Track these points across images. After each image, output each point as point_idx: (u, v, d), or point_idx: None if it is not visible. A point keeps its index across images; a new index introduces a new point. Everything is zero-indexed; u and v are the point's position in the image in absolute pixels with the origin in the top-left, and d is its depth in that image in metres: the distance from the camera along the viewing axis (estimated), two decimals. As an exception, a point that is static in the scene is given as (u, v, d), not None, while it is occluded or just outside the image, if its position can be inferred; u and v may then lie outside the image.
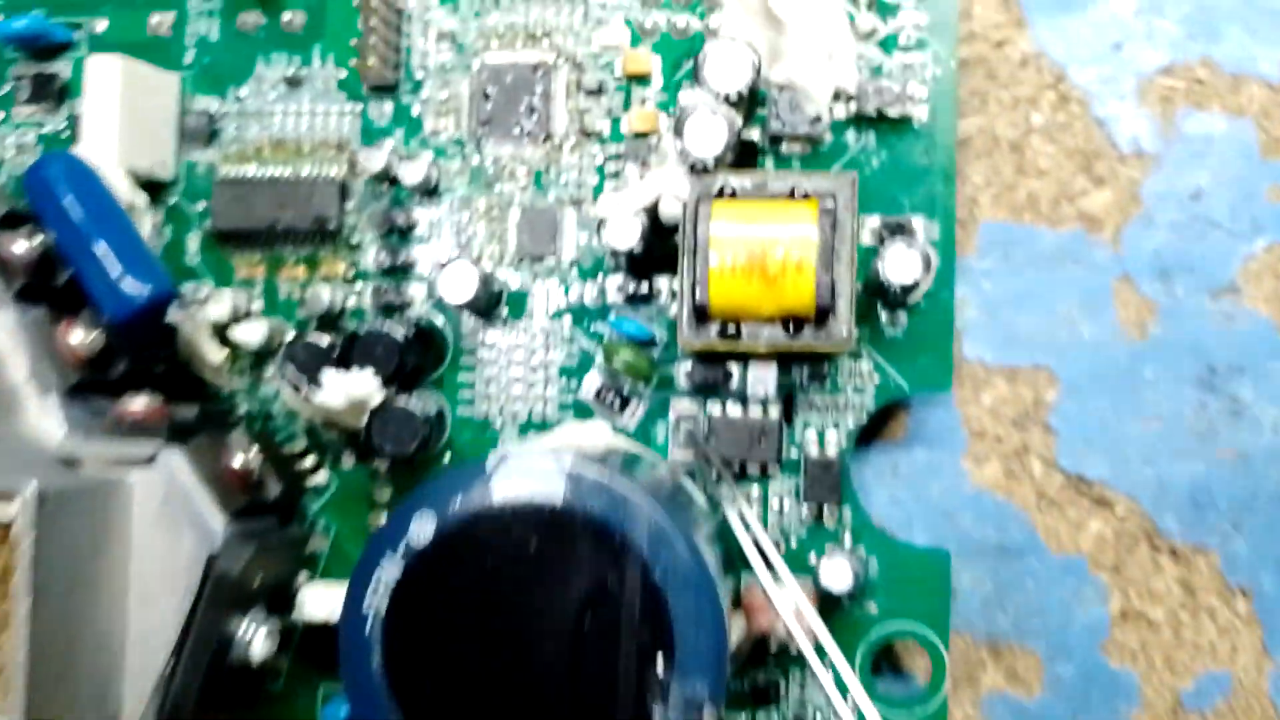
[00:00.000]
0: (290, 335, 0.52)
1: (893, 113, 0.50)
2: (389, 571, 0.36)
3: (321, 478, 0.52)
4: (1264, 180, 0.53)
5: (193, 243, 0.54)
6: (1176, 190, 0.54)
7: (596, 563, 0.35)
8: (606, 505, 0.35)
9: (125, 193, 0.49)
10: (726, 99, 0.47)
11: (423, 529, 0.36)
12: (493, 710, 0.35)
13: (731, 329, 0.46)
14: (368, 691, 0.36)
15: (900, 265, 0.46)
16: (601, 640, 0.35)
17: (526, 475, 0.36)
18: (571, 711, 0.35)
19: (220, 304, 0.51)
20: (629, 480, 0.36)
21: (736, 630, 0.47)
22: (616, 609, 0.35)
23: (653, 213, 0.48)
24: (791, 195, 0.46)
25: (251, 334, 0.51)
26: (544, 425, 0.51)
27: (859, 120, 0.51)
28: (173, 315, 0.47)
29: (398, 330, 0.48)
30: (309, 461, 0.52)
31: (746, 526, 0.46)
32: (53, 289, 0.47)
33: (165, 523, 0.44)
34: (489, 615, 0.35)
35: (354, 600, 0.36)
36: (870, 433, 0.55)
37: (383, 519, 0.52)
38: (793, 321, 0.46)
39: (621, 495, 0.35)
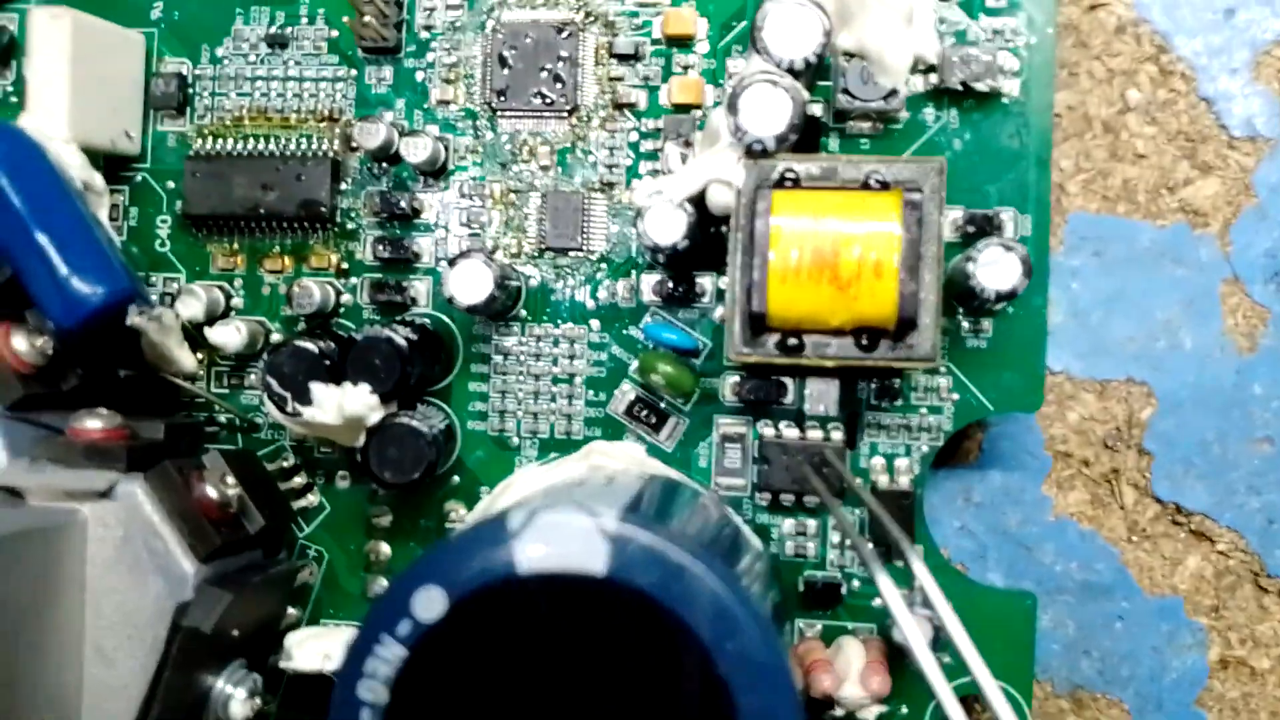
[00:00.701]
0: (275, 337, 0.46)
1: (980, 87, 0.43)
2: (389, 657, 0.29)
3: (313, 499, 0.46)
4: (1396, 168, 0.46)
5: (163, 228, 0.46)
6: (1295, 179, 0.47)
7: (647, 649, 0.28)
8: (659, 577, 0.28)
9: (78, 172, 0.42)
10: (790, 68, 0.39)
11: (430, 605, 0.29)
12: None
13: (793, 341, 0.39)
14: (365, 801, 0.29)
15: (997, 271, 0.39)
16: (653, 745, 0.28)
17: (560, 537, 0.29)
18: (616, 832, 0.28)
19: (193, 302, 0.44)
20: (686, 540, 0.29)
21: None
22: (671, 707, 0.28)
23: (698, 201, 0.41)
24: (867, 184, 0.39)
25: (229, 336, 0.44)
26: (568, 444, 0.45)
27: (940, 95, 0.43)
28: (133, 318, 0.40)
29: (400, 336, 0.41)
30: (298, 481, 0.45)
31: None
32: (-8, 287, 0.40)
33: (125, 566, 0.38)
34: (514, 712, 0.29)
35: (345, 692, 0.29)
36: (942, 454, 0.48)
37: (383, 549, 0.46)
38: (867, 334, 0.39)
39: (678, 564, 0.29)
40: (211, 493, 0.39)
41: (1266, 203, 0.47)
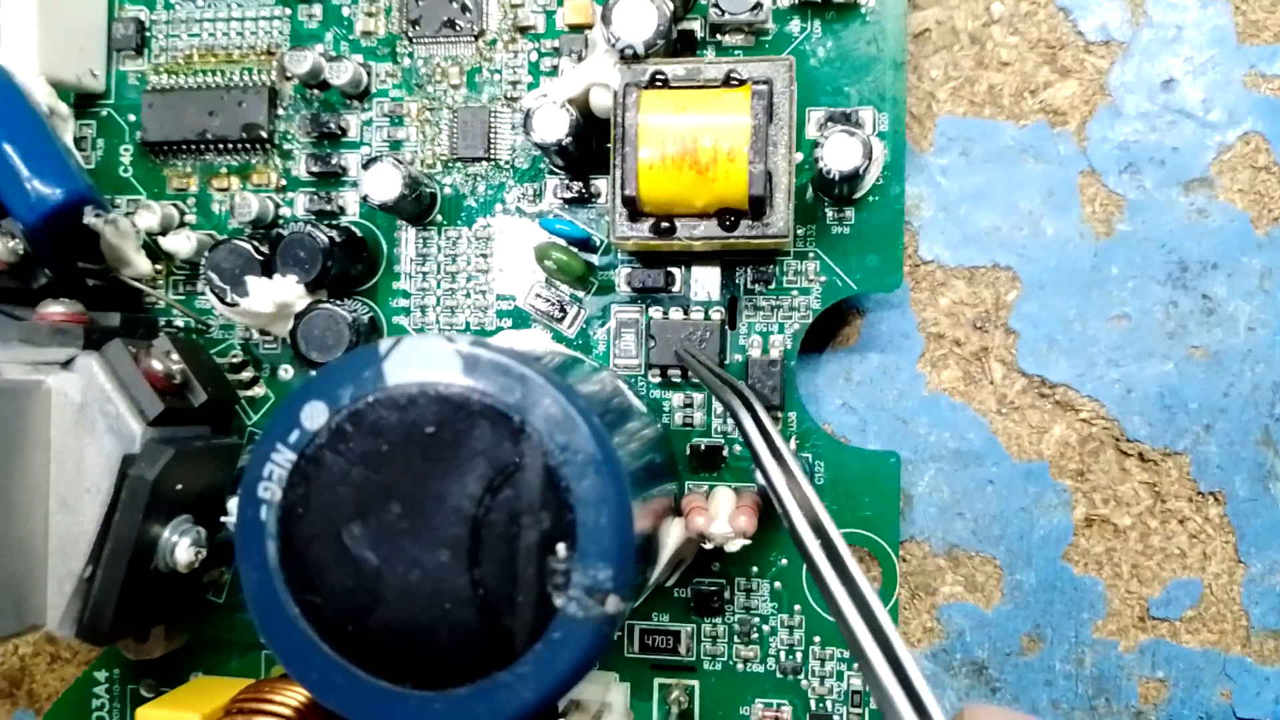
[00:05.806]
0: (224, 246, 0.51)
1: (837, -2, 0.48)
2: (281, 462, 0.34)
3: (259, 391, 0.51)
4: (1240, 67, 0.50)
5: (125, 155, 0.52)
6: (1146, 79, 0.51)
7: (494, 446, 0.34)
8: (503, 386, 0.34)
9: (44, 98, 0.48)
10: (656, -18, 0.45)
11: (315, 417, 0.34)
12: (390, 598, 0.34)
13: (665, 225, 0.45)
14: (264, 580, 0.34)
15: (840, 153, 0.44)
16: (501, 526, 0.33)
17: (421, 358, 0.34)
18: (470, 600, 0.33)
19: (148, 215, 0.50)
20: (529, 360, 0.35)
21: (675, 535, 0.45)
22: (516, 494, 0.33)
23: (587, 108, 0.47)
24: (727, 82, 0.44)
25: (180, 244, 0.49)
26: (482, 334, 0.50)
27: (804, 8, 0.48)
28: (89, 218, 0.46)
29: (321, 234, 0.46)
30: (246, 375, 0.51)
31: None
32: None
33: (84, 426, 0.44)
34: (385, 503, 0.34)
35: (248, 490, 0.35)
36: (824, 339, 0.53)
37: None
38: (730, 215, 0.44)
39: (520, 374, 0.34)
40: (157, 365, 0.44)
41: (1119, 100, 0.51)
